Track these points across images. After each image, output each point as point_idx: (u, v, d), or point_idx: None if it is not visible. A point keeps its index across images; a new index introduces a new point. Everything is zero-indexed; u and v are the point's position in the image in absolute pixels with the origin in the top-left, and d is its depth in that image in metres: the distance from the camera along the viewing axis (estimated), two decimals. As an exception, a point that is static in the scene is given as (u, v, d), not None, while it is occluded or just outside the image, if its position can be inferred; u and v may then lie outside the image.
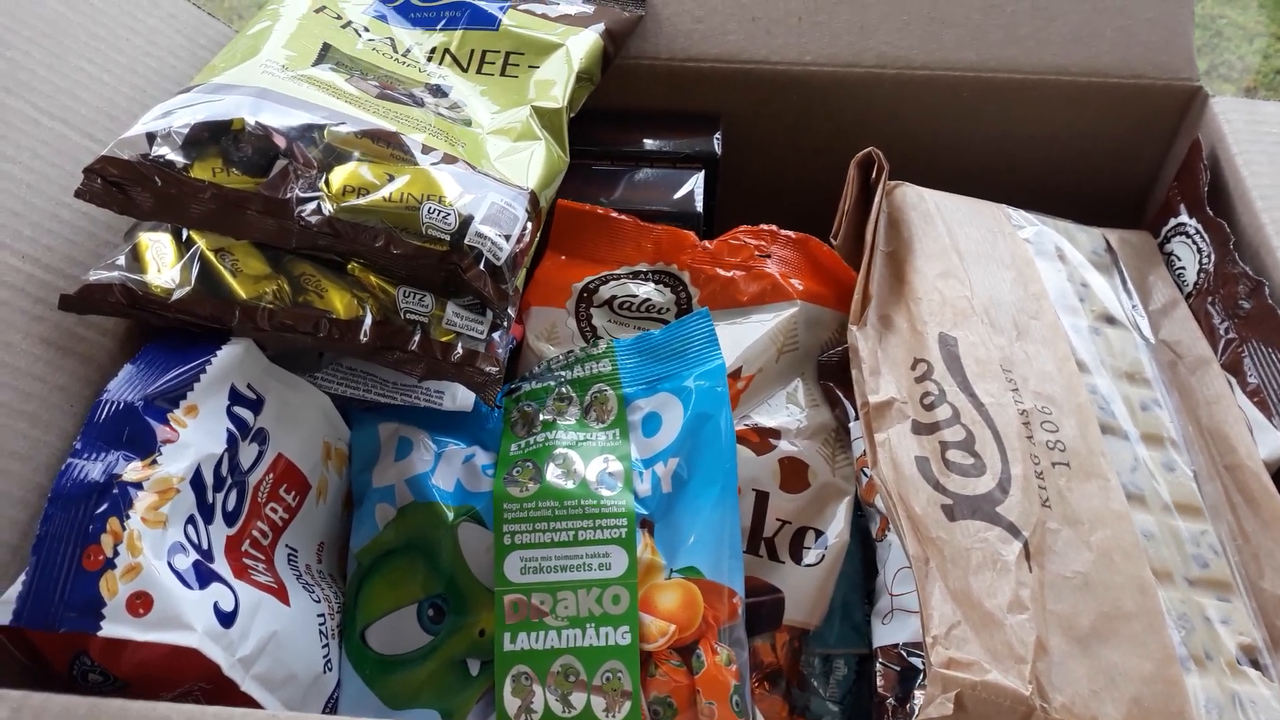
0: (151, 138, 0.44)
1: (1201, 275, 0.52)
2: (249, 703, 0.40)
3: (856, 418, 0.48)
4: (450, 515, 0.45)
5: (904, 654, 0.42)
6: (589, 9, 0.56)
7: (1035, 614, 0.38)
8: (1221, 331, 0.50)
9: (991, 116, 0.60)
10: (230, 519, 0.43)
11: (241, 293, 0.43)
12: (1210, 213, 0.53)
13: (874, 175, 0.52)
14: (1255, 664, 0.40)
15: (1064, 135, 0.61)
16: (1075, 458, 0.43)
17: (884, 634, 0.43)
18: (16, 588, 0.37)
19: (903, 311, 0.49)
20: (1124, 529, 0.41)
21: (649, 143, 0.59)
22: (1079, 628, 0.38)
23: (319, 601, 0.45)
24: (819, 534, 0.47)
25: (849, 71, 0.59)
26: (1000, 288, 0.49)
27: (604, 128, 0.59)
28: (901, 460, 0.43)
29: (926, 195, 0.53)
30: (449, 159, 0.45)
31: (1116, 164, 0.62)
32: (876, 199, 0.51)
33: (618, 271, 0.54)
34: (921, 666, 0.40)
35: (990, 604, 0.38)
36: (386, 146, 0.45)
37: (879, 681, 0.42)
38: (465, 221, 0.43)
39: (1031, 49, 0.59)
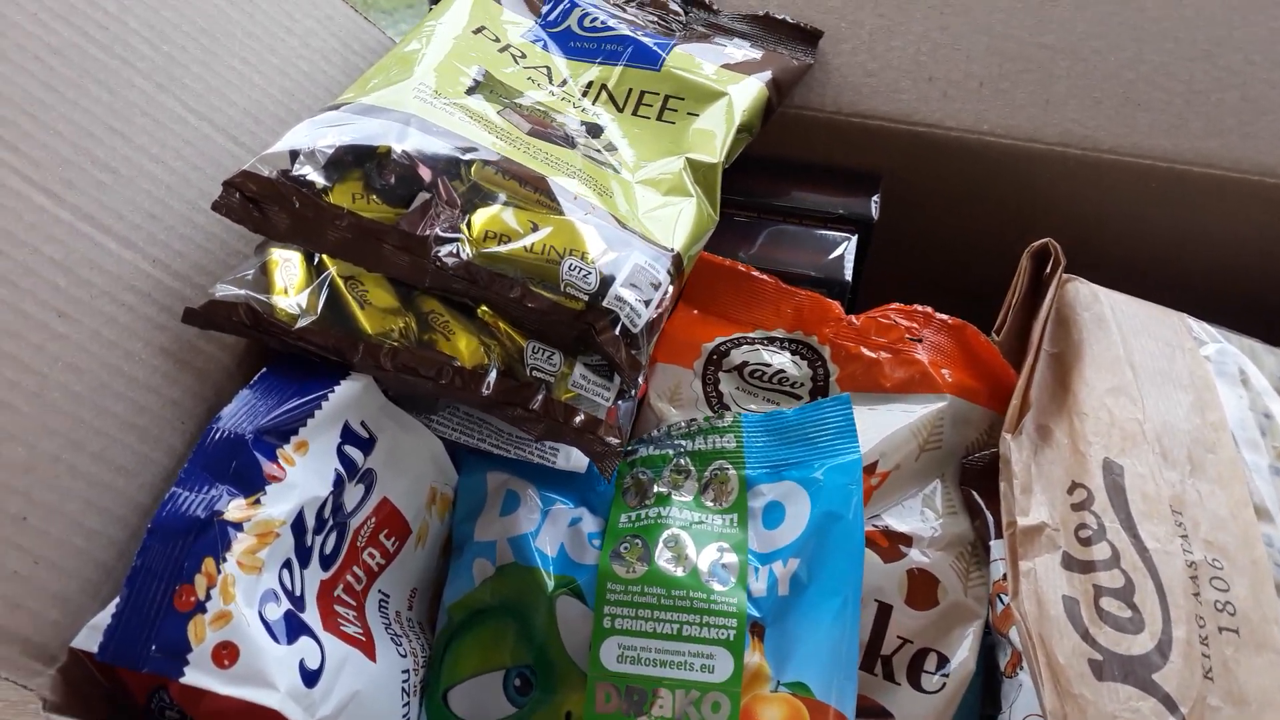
0: (295, 155, 0.42)
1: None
2: (322, 759, 0.38)
3: (999, 535, 0.44)
4: (550, 585, 0.43)
5: (1025, 813, 0.38)
6: (757, 55, 0.53)
7: None
8: None
9: (1182, 213, 0.55)
10: (326, 563, 0.41)
11: (368, 327, 0.41)
12: None
13: (1049, 269, 0.47)
14: None
15: (1259, 242, 0.55)
16: (1246, 624, 0.39)
17: (1003, 783, 0.40)
18: (105, 617, 0.36)
19: (1065, 425, 0.44)
20: None
21: (801, 197, 0.56)
22: None
23: (405, 655, 0.43)
24: (942, 659, 0.43)
25: (1029, 146, 0.54)
26: (1176, 412, 0.44)
27: (754, 176, 0.56)
28: (1047, 597, 0.39)
29: (1102, 295, 0.49)
30: (595, 210, 0.43)
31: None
32: (1049, 296, 0.47)
33: (752, 335, 0.51)
34: None
35: None
36: (534, 191, 0.42)
37: None
38: (606, 281, 0.40)
39: (1234, 144, 0.53)
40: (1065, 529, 0.41)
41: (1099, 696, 0.37)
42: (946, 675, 0.43)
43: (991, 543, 0.45)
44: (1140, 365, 0.46)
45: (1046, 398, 0.46)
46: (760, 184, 0.56)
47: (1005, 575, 0.41)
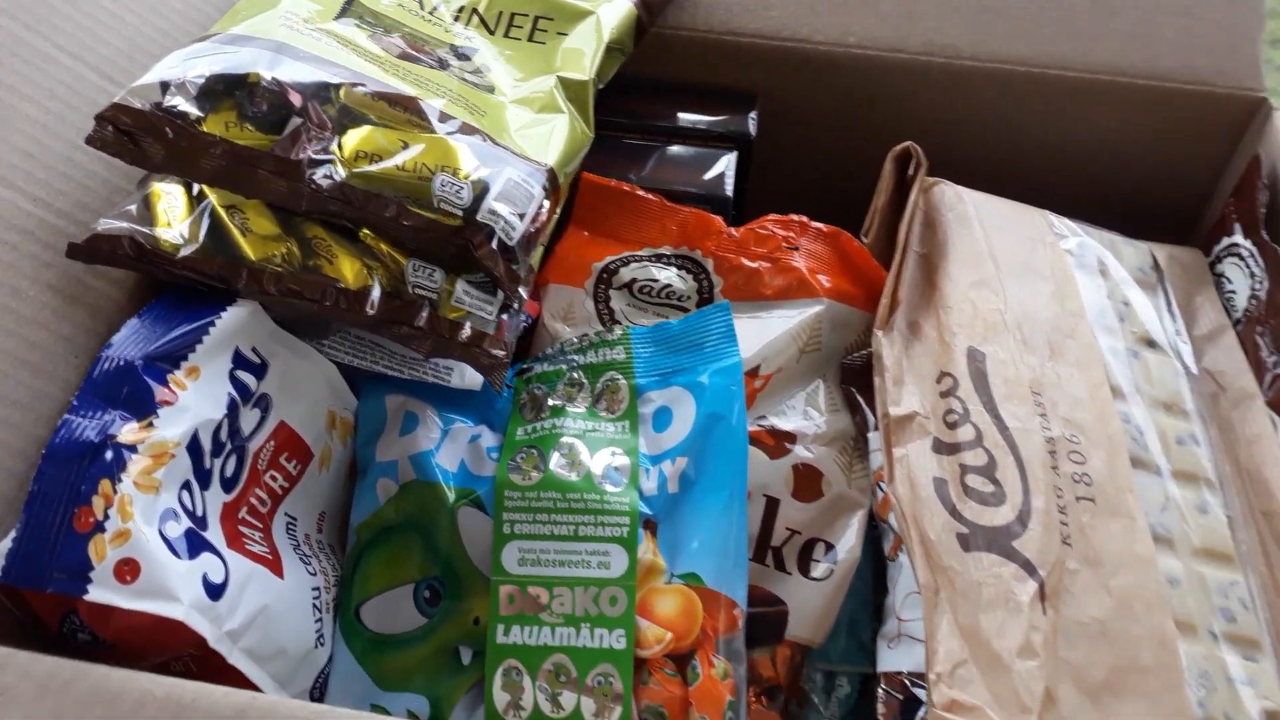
0: (165, 87, 0.42)
1: (1253, 301, 0.50)
2: (237, 674, 0.39)
3: (876, 427, 0.46)
4: (451, 497, 0.44)
5: (908, 683, 0.41)
6: (627, -25, 0.54)
7: (1046, 661, 0.36)
8: (1270, 365, 0.48)
9: (1040, 115, 0.57)
10: (228, 485, 0.42)
11: (250, 253, 0.42)
12: (1266, 236, 0.50)
13: (911, 171, 0.50)
14: None
15: (1116, 140, 0.58)
16: (1101, 493, 0.42)
17: (889, 659, 0.42)
18: (7, 543, 0.36)
19: (932, 319, 0.47)
20: (1148, 575, 0.40)
21: (681, 118, 0.57)
22: (1091, 679, 0.37)
23: (315, 574, 0.44)
24: (829, 547, 0.46)
25: (894, 57, 0.56)
26: (1036, 302, 0.47)
27: (635, 99, 0.57)
28: (919, 480, 0.42)
29: (965, 196, 0.51)
30: (467, 129, 0.44)
31: (1170, 174, 0.59)
32: (912, 197, 0.49)
33: (640, 253, 0.52)
34: (924, 700, 0.39)
35: (999, 645, 0.37)
36: (404, 111, 0.43)
37: (880, 709, 0.41)
38: (479, 196, 0.42)
39: (1087, 46, 0.56)
40: (934, 416, 0.44)
41: (966, 566, 0.39)
42: (834, 562, 0.45)
43: (870, 435, 0.47)
44: (1002, 259, 0.48)
45: (916, 295, 0.48)
46: (642, 106, 0.57)
47: (883, 465, 0.44)
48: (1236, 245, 0.52)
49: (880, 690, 0.41)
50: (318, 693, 0.43)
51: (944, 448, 0.42)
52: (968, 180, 0.53)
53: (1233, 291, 0.52)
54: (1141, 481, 0.43)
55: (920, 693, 0.39)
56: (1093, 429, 0.43)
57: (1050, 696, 0.36)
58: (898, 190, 0.50)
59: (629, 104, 0.57)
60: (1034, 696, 0.35)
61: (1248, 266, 0.51)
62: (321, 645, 0.44)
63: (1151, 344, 0.48)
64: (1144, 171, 0.59)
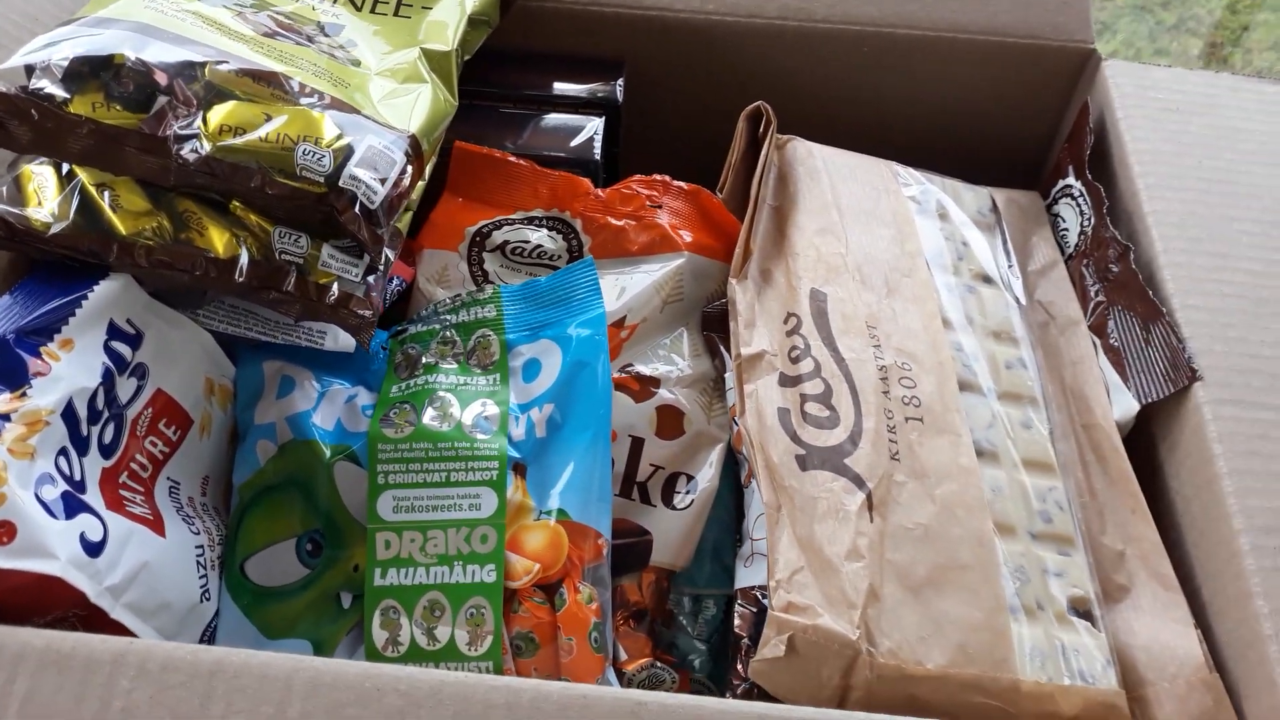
0: (30, 70, 0.44)
1: (1081, 237, 0.54)
2: (121, 629, 0.41)
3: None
4: (328, 454, 0.46)
5: (759, 595, 0.44)
6: (489, -50, 0.56)
7: (871, 562, 0.40)
8: (1093, 294, 0.51)
9: (891, 73, 0.61)
10: (107, 451, 0.43)
11: (121, 228, 0.44)
12: (1089, 176, 0.54)
13: (762, 129, 0.52)
14: (1085, 615, 0.43)
15: (963, 95, 0.62)
16: (929, 414, 0.45)
17: (745, 576, 0.45)
18: (-117, 514, 0.38)
19: (781, 266, 0.50)
20: (970, 483, 0.43)
21: (551, 87, 0.60)
22: (914, 577, 0.40)
23: (199, 534, 0.46)
24: (690, 479, 0.49)
25: (750, 22, 0.59)
26: (877, 245, 0.50)
27: (506, 69, 0.59)
28: (765, 411, 0.45)
29: (815, 151, 0.54)
30: (330, 101, 0.45)
31: (1014, 125, 0.63)
32: (763, 153, 0.52)
33: (512, 217, 0.55)
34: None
35: (830, 551, 0.40)
36: (267, 86, 0.45)
37: (737, 622, 0.44)
38: (341, 164, 0.43)
39: (931, 5, 0.59)
40: (781, 353, 0.47)
41: (803, 484, 0.42)
42: (693, 493, 0.48)
43: (726, 375, 0.50)
44: (846, 207, 0.52)
45: (768, 245, 0.51)
46: (512, 76, 0.60)
47: (735, 400, 0.47)
48: (1069, 186, 0.56)
49: (738, 605, 0.44)
50: (205, 645, 0.45)
51: (788, 380, 0.45)
52: (824, 137, 0.56)
53: (1066, 229, 0.55)
54: (970, 402, 0.46)
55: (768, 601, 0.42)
56: (924, 357, 0.47)
57: (874, 593, 0.39)
58: (750, 147, 0.53)
59: (500, 74, 0.59)
60: (859, 593, 0.39)
61: (1078, 205, 0.55)
62: (207, 600, 0.45)
63: (987, 280, 0.52)
64: (990, 124, 0.63)
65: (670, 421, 0.49)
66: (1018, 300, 0.52)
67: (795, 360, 0.46)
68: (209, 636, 0.45)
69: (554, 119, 0.58)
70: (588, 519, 0.45)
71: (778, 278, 0.49)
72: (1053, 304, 0.52)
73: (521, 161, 0.55)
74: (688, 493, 0.48)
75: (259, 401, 0.49)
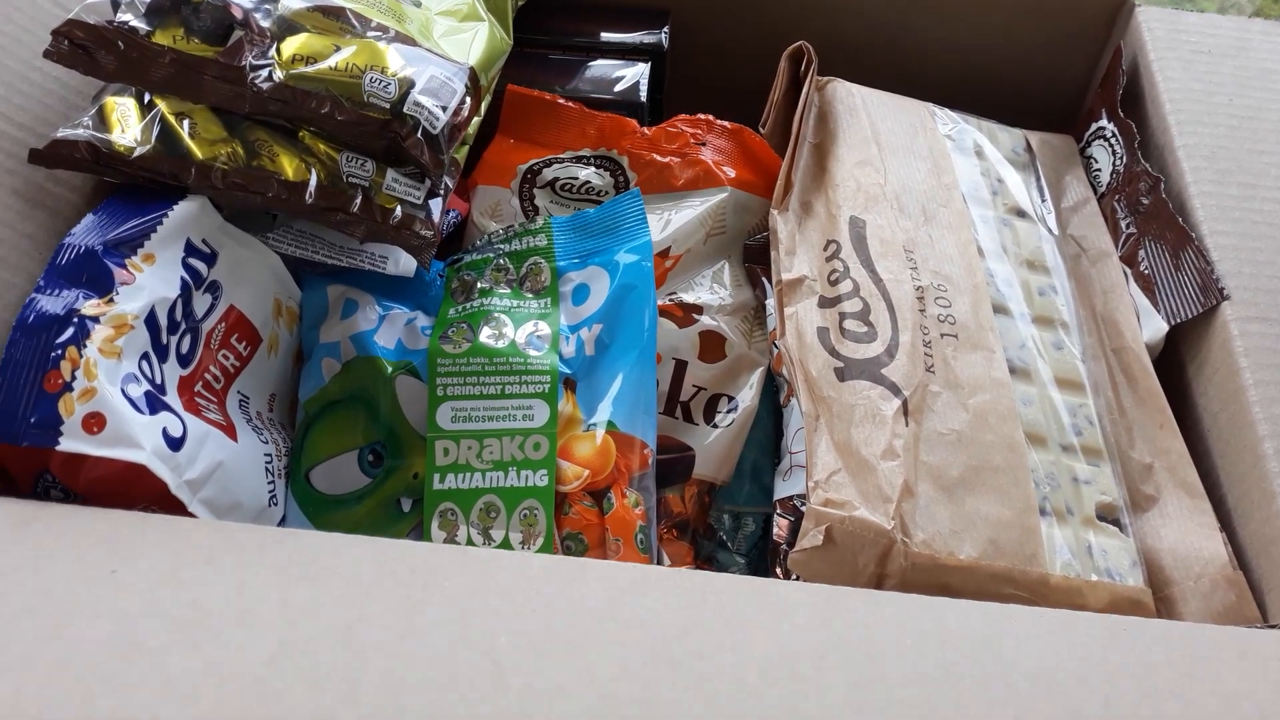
0: (116, 4, 0.47)
1: (1114, 176, 0.55)
2: (197, 524, 0.44)
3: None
4: (389, 369, 0.49)
5: (796, 504, 0.46)
6: (543, -100, 0.59)
7: (906, 462, 0.42)
8: (1124, 226, 0.53)
9: (929, 19, 0.62)
10: (184, 361, 0.46)
11: (198, 153, 0.46)
12: (1122, 114, 0.56)
13: (803, 68, 0.54)
14: (1114, 521, 0.44)
15: (1000, 41, 0.63)
16: (964, 331, 0.47)
17: (782, 488, 0.47)
18: (-16, 408, 0.41)
19: (821, 198, 0.52)
20: (1003, 395, 0.45)
21: (600, 35, 0.62)
22: (948, 477, 0.42)
23: (267, 443, 0.49)
24: (731, 399, 0.51)
25: (796, -30, 0.61)
26: (914, 177, 0.52)
27: (557, 18, 0.62)
28: (805, 330, 0.47)
29: (855, 90, 0.56)
30: (395, 35, 0.48)
31: (1050, 71, 0.64)
32: (805, 90, 0.54)
33: (562, 155, 0.57)
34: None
35: (866, 452, 0.42)
36: (335, 20, 0.48)
37: (775, 530, 0.46)
38: (405, 91, 0.46)
39: (969, -46, 0.61)
40: (820, 277, 0.49)
41: (841, 394, 0.44)
42: (734, 412, 0.50)
43: (767, 302, 0.52)
44: (885, 142, 0.53)
45: (809, 179, 0.53)
46: (562, 24, 0.62)
47: (776, 324, 0.49)
48: (1102, 128, 0.57)
49: (776, 515, 0.46)
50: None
51: (826, 302, 0.47)
52: (863, 80, 0.58)
53: (1099, 169, 0.57)
54: (1003, 324, 0.48)
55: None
56: (960, 280, 0.48)
57: (909, 489, 0.41)
58: (792, 87, 0.55)
59: (551, 22, 0.61)
60: (894, 489, 0.41)
61: (1111, 146, 0.56)
62: (275, 505, 0.48)
63: (1021, 214, 0.54)
64: (1025, 69, 0.65)
65: (712, 346, 0.51)
66: (1050, 233, 0.53)
67: (834, 283, 0.48)
68: (276, 539, 0.48)
69: (602, 65, 0.61)
70: (634, 430, 0.47)
71: (818, 208, 0.51)
72: (1084, 238, 0.54)
73: (570, 104, 0.58)
74: (729, 411, 0.50)
75: (324, 322, 0.51)
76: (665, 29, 0.62)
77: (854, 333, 0.46)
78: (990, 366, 0.46)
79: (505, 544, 0.45)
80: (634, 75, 0.60)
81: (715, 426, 0.50)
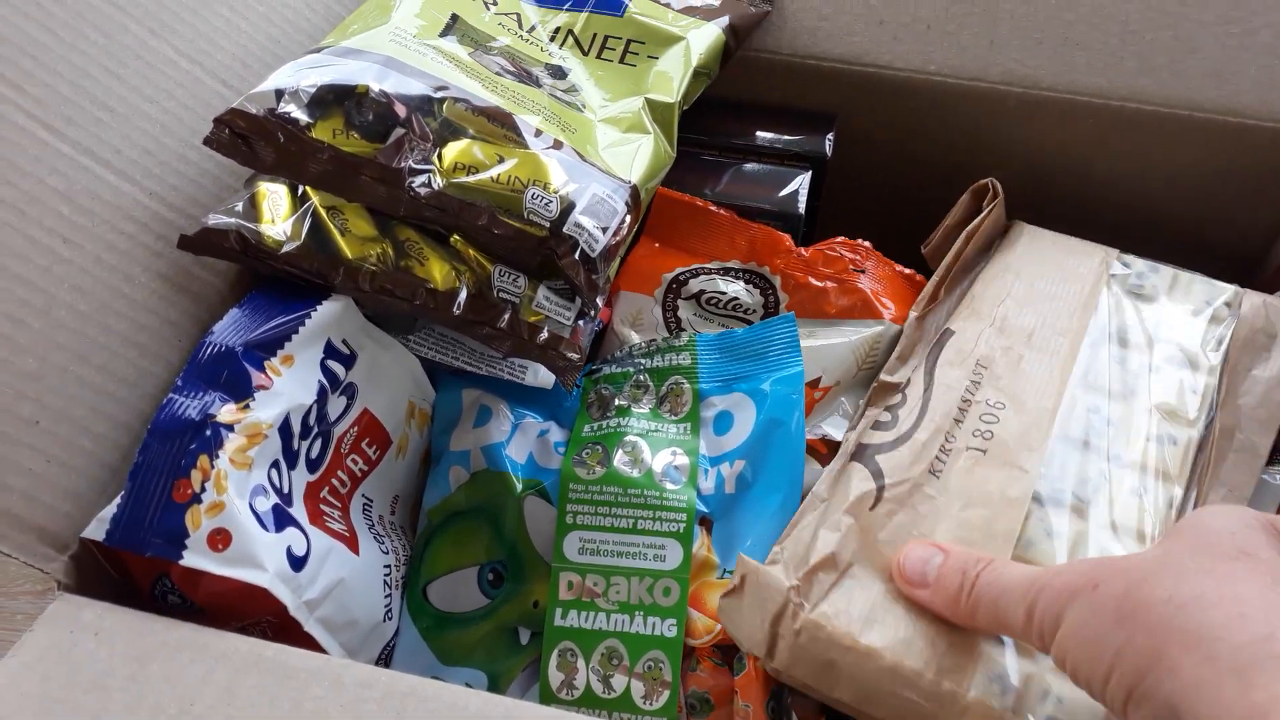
0: (280, 94, 0.46)
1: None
2: (310, 641, 0.42)
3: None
4: (519, 487, 0.47)
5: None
6: (715, 2, 0.56)
7: (848, 540, 0.40)
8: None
9: (1116, 148, 0.58)
10: (312, 466, 0.45)
11: (348, 252, 0.45)
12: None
13: (986, 200, 0.51)
14: None
15: (1191, 175, 0.59)
16: (998, 448, 0.44)
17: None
18: (112, 508, 0.40)
19: (944, 318, 0.50)
20: (1007, 516, 0.41)
21: (759, 136, 0.59)
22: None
23: (387, 553, 0.47)
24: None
25: (973, 85, 0.58)
26: (1042, 307, 0.49)
27: (714, 117, 0.59)
28: (861, 425, 0.46)
29: (1033, 232, 0.53)
30: (558, 145, 0.46)
31: (1244, 211, 0.60)
32: (979, 220, 0.50)
33: (709, 265, 0.54)
34: None
35: (814, 520, 0.41)
36: (500, 126, 0.46)
37: None
38: (566, 210, 0.44)
39: (1166, 81, 0.57)
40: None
41: (842, 474, 0.43)
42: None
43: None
44: (1031, 278, 0.51)
45: (953, 301, 0.50)
46: (721, 124, 0.59)
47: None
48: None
49: None
50: (383, 664, 0.46)
51: (885, 407, 0.46)
52: (1039, 206, 0.54)
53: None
54: (1066, 453, 0.44)
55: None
56: (1028, 402, 0.45)
57: (835, 562, 0.39)
58: (969, 216, 0.52)
59: (708, 121, 0.59)
60: (817, 555, 0.39)
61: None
62: (389, 619, 0.46)
63: (1184, 363, 0.48)
64: (1215, 208, 0.60)
65: (859, 491, 0.48)
66: (1210, 405, 0.48)
67: (898, 387, 0.46)
68: (386, 657, 0.46)
69: (759, 169, 0.58)
70: (773, 585, 0.44)
71: (939, 325, 0.49)
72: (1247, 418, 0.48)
73: (722, 211, 0.55)
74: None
75: (455, 428, 0.50)
76: (830, 135, 0.59)
77: (880, 422, 0.45)
78: (1009, 485, 0.42)
79: (626, 696, 0.42)
80: (794, 184, 0.57)
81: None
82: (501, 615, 0.46)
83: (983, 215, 0.51)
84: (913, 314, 0.49)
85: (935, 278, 0.50)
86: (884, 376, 0.47)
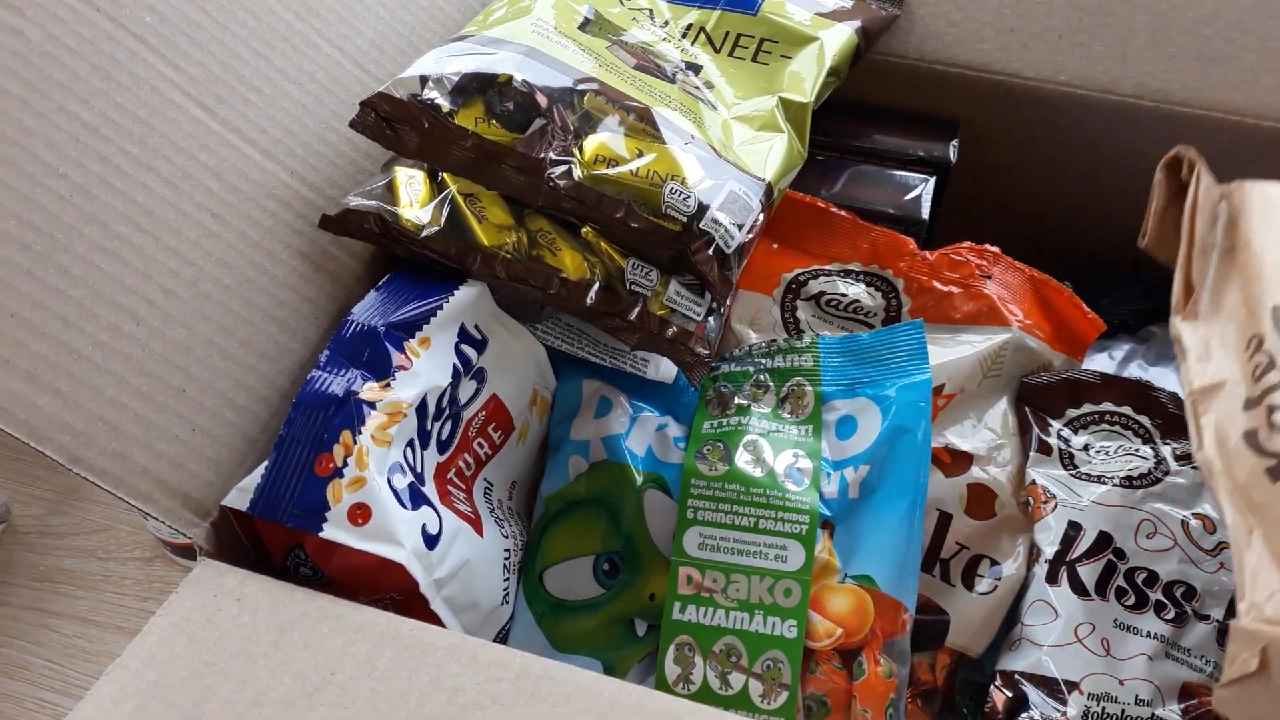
0: (424, 80, 0.46)
1: None
2: (434, 619, 0.43)
3: (1039, 450, 0.48)
4: (639, 479, 0.47)
5: (1019, 679, 0.42)
6: (848, 4, 0.56)
7: None
8: None
9: (1249, 167, 0.57)
10: (442, 447, 0.46)
11: (484, 239, 0.46)
12: None
13: (1185, 172, 0.50)
14: None
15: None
16: None
17: (1006, 660, 0.44)
18: (255, 478, 0.41)
19: (1237, 297, 0.47)
20: None
21: (883, 140, 0.59)
22: None
23: (506, 537, 0.48)
24: (994, 564, 0.47)
25: (1103, 98, 0.57)
26: None
27: (840, 118, 0.59)
28: (1228, 437, 0.42)
29: (1270, 189, 0.51)
30: (695, 140, 0.46)
31: None
32: (1191, 191, 0.49)
33: (829, 267, 0.54)
34: (1035, 698, 0.40)
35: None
36: (639, 120, 0.46)
37: (989, 703, 0.42)
38: (703, 206, 0.44)
39: (1307, 100, 0.55)
40: (1245, 378, 0.43)
41: (1276, 496, 0.39)
42: (998, 579, 0.47)
43: (1031, 453, 0.48)
44: None
45: (1220, 280, 0.48)
46: (845, 126, 0.59)
47: (1193, 439, 0.43)
48: None
49: (994, 687, 0.42)
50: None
51: (1252, 402, 0.42)
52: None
53: None
54: None
55: (1029, 689, 0.40)
56: None
57: None
58: (1176, 195, 0.50)
59: (834, 123, 0.59)
60: None
61: None
62: (506, 603, 0.47)
63: None
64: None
65: (980, 500, 0.48)
66: None
67: (1259, 378, 0.43)
68: (502, 639, 0.47)
69: (883, 173, 0.58)
70: (895, 591, 0.44)
71: (1233, 308, 0.47)
72: None
73: (843, 213, 0.55)
74: (990, 577, 0.47)
75: (575, 417, 0.50)
76: (954, 141, 0.58)
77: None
78: None
79: (744, 694, 0.43)
80: (918, 188, 0.57)
81: (975, 592, 0.47)
82: (616, 606, 0.46)
83: (1194, 188, 0.49)
84: (1177, 318, 0.45)
85: (1180, 275, 0.47)
86: (1197, 382, 0.42)
